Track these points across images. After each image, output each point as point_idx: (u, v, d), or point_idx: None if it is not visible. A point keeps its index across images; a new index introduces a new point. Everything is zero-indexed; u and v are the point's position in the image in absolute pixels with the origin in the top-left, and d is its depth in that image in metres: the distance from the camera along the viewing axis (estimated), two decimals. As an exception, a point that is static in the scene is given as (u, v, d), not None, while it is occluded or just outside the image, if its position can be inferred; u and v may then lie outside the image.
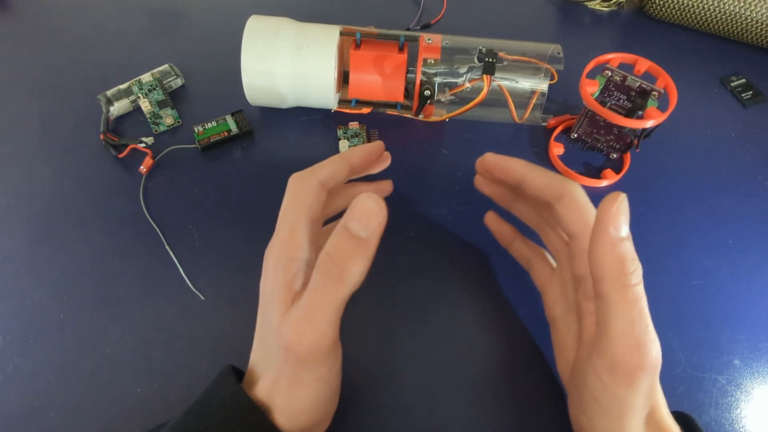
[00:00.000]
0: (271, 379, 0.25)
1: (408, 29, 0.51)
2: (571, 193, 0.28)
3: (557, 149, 0.43)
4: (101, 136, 0.41)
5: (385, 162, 0.34)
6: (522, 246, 0.35)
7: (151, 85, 0.44)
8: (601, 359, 0.24)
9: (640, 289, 0.24)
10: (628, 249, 0.24)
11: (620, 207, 0.23)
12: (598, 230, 0.24)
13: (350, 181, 0.32)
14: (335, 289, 0.23)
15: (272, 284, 0.26)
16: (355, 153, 0.31)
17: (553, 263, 0.34)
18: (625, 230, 0.23)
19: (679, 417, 0.27)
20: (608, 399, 0.25)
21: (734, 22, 0.49)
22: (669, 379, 0.33)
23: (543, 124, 0.44)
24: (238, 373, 0.27)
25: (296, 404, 0.25)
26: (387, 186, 0.36)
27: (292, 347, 0.23)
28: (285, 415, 0.25)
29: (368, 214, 0.22)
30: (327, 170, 0.29)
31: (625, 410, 0.24)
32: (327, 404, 0.27)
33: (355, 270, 0.23)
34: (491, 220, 0.37)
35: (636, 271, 0.24)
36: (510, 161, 0.31)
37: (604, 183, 0.41)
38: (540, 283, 0.33)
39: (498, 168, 0.32)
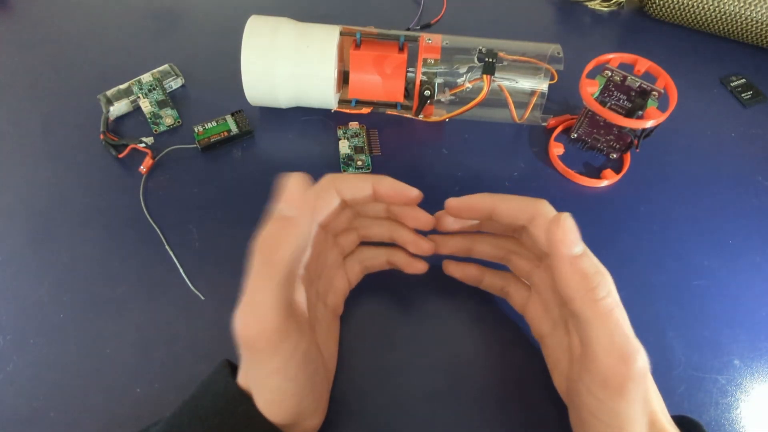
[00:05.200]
0: (244, 368, 0.26)
1: (408, 29, 0.51)
2: (543, 212, 0.28)
3: (557, 149, 0.43)
4: (101, 136, 0.41)
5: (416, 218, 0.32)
6: (492, 278, 0.34)
7: (151, 85, 0.44)
8: (591, 376, 0.25)
9: (611, 301, 0.24)
10: (587, 264, 0.24)
11: (565, 227, 0.24)
12: (553, 254, 0.24)
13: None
14: (269, 271, 0.23)
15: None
16: (384, 180, 0.30)
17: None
18: (578, 248, 0.24)
19: (684, 422, 0.27)
20: (606, 414, 0.25)
21: (734, 22, 0.49)
22: (669, 380, 0.33)
23: (543, 124, 0.44)
24: (234, 368, 0.27)
25: (265, 394, 0.25)
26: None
27: (239, 334, 0.24)
28: (261, 404, 0.25)
29: (291, 193, 0.23)
30: (348, 180, 0.30)
31: (624, 423, 0.24)
32: (298, 398, 0.26)
33: (286, 250, 0.23)
34: (452, 269, 0.35)
35: (600, 284, 0.24)
36: (474, 198, 0.30)
37: (604, 183, 0.41)
38: (520, 306, 0.33)
39: (465, 208, 0.30)
